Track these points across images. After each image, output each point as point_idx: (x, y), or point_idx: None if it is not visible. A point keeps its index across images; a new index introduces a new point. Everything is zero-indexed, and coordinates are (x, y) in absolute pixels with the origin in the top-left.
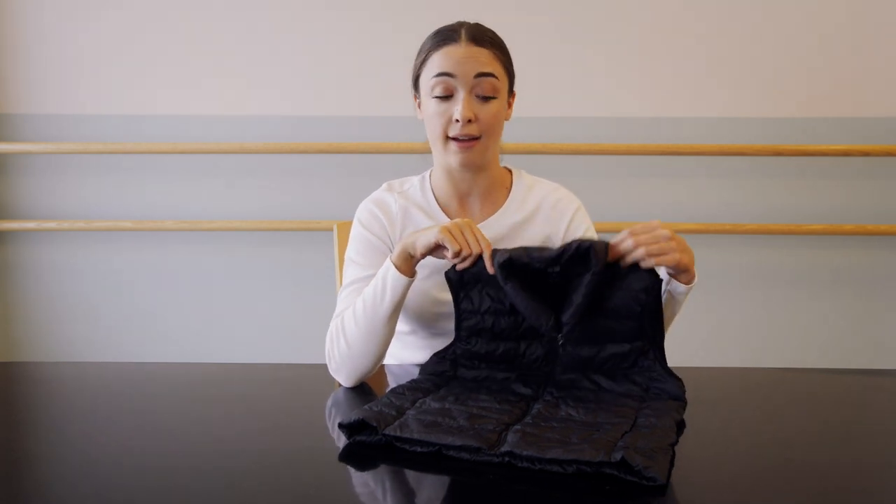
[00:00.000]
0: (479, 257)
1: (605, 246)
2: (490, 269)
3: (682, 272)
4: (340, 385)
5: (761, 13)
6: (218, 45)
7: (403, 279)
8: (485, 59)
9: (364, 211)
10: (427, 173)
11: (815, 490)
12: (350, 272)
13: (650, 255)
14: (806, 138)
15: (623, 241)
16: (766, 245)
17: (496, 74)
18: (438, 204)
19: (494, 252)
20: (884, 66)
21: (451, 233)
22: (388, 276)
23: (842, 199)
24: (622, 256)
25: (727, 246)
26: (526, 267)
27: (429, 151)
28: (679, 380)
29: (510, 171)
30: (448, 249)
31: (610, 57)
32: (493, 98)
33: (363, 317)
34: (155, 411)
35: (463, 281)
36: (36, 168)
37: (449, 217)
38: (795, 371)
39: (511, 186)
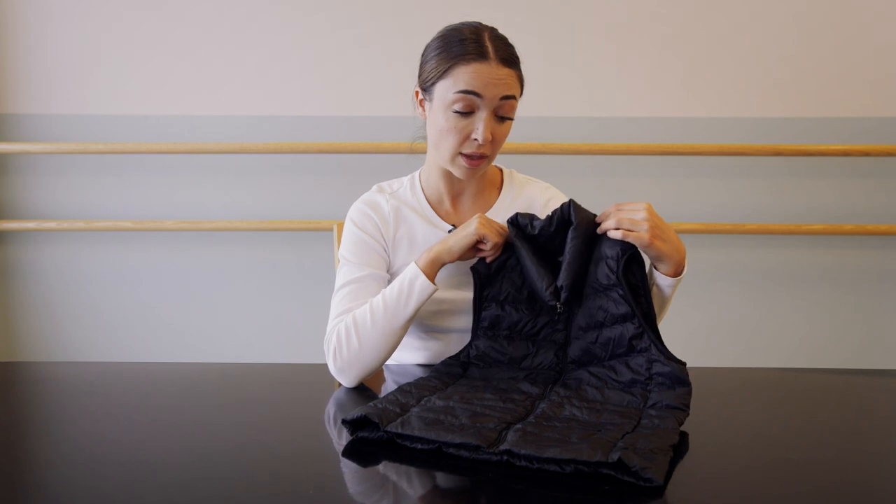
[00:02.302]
0: (505, 244)
1: (592, 216)
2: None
3: (658, 259)
4: (341, 385)
5: (761, 13)
6: (218, 45)
7: (431, 287)
8: (511, 82)
9: (356, 212)
10: (416, 173)
11: (815, 489)
12: (345, 272)
13: (620, 227)
14: (806, 138)
15: (606, 211)
16: (766, 245)
17: (516, 96)
18: (429, 203)
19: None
20: (884, 66)
21: (487, 228)
22: (417, 283)
23: (842, 199)
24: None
25: (727, 246)
26: (526, 229)
27: (422, 152)
28: (681, 363)
29: (500, 170)
30: (487, 243)
31: (610, 57)
32: (509, 120)
33: (382, 318)
34: (155, 411)
35: (490, 272)
36: (36, 168)
37: (440, 216)
38: (795, 371)
39: (501, 185)
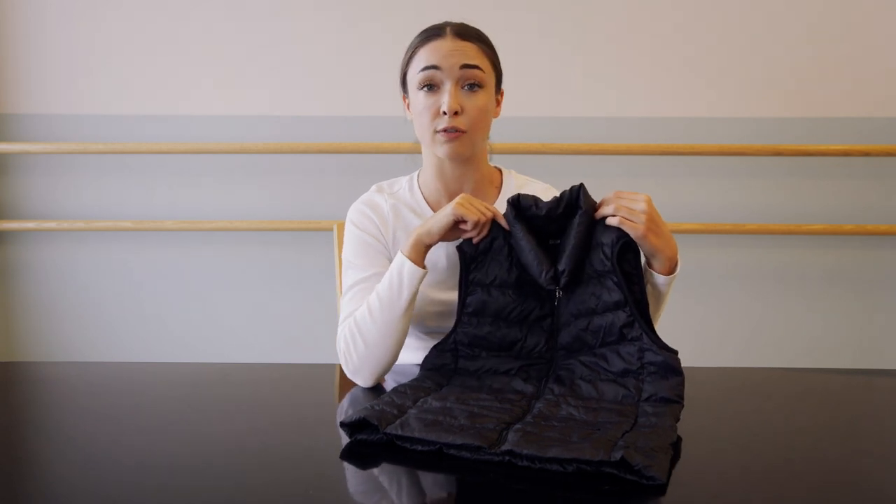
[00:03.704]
0: (492, 224)
1: (594, 202)
2: (505, 225)
3: (650, 254)
4: (340, 385)
5: (761, 13)
6: (217, 46)
7: (419, 271)
8: (471, 52)
9: (356, 212)
10: (415, 174)
11: (815, 489)
12: (350, 275)
13: (618, 214)
14: (806, 138)
15: (606, 198)
16: (766, 245)
17: (482, 67)
18: (427, 203)
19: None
20: (884, 66)
21: (464, 207)
22: (405, 270)
23: (841, 199)
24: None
25: (727, 246)
26: (529, 210)
27: (420, 152)
28: (672, 351)
29: (500, 170)
30: (467, 222)
31: (610, 57)
32: (480, 90)
33: (380, 313)
34: (155, 411)
35: (476, 253)
36: (36, 168)
37: None
38: (795, 371)
39: (501, 185)
